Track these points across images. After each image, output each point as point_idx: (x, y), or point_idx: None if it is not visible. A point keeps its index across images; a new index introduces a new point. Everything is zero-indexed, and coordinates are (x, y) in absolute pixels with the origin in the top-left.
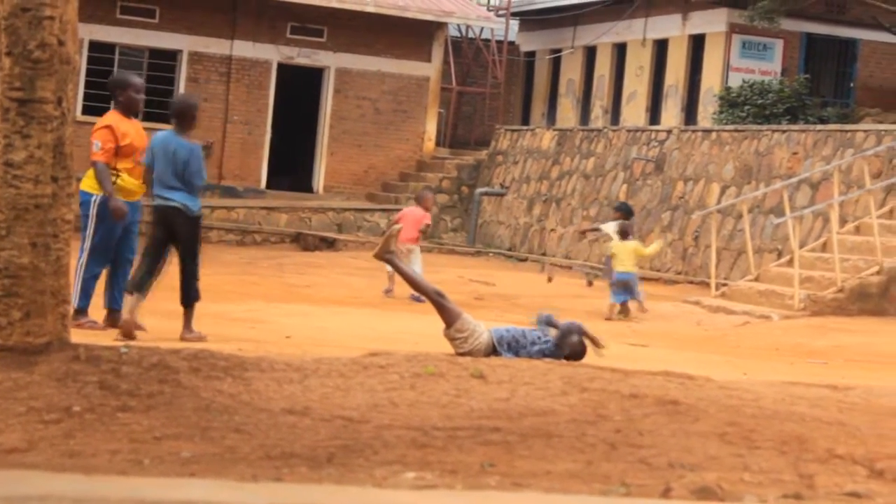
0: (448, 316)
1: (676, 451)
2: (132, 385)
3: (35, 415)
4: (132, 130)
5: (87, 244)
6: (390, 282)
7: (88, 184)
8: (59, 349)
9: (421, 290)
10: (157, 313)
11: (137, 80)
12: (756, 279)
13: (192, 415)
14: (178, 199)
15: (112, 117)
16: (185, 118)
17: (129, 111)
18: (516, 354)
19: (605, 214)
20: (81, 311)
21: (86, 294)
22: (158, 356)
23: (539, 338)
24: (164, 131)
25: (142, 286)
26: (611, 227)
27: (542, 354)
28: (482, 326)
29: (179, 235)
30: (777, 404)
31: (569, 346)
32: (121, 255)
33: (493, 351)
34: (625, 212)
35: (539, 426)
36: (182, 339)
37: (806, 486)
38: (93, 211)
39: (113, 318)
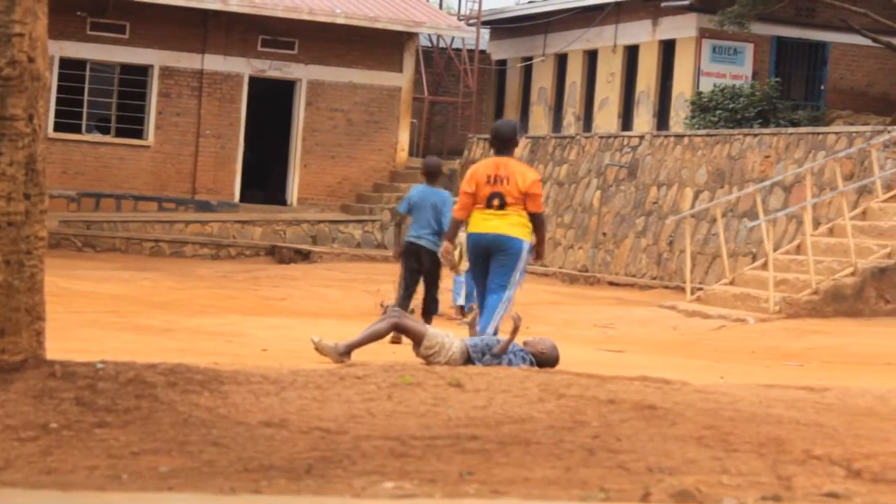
0: (414, 335)
1: (654, 456)
2: (109, 401)
3: (11, 432)
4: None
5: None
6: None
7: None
8: (35, 366)
9: (382, 336)
10: (139, 329)
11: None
12: (731, 283)
13: (170, 429)
14: (431, 238)
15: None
16: (435, 175)
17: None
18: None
19: (580, 221)
20: None
21: None
22: (135, 371)
23: (514, 345)
24: (421, 185)
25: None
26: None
27: (519, 360)
28: (451, 337)
29: (426, 266)
30: (754, 407)
31: (541, 353)
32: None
33: (468, 360)
34: None
35: (517, 433)
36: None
37: (784, 487)
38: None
39: None
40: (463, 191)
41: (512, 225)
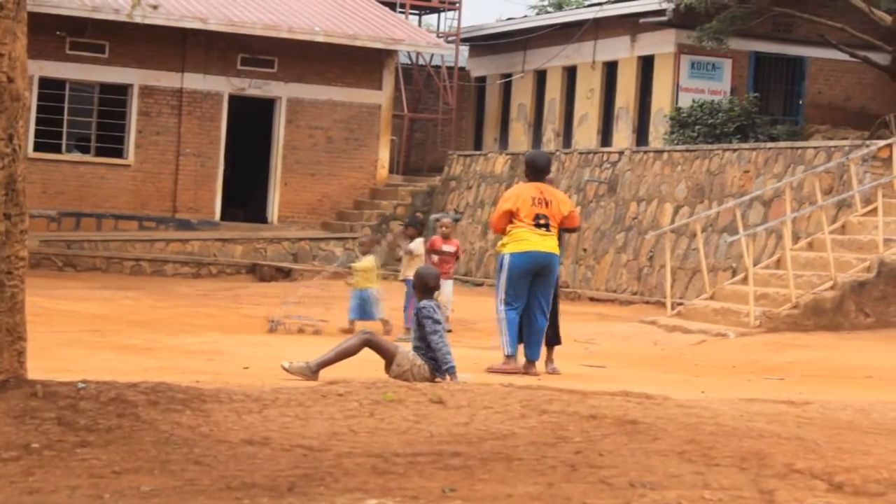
0: (385, 354)
1: (637, 471)
2: (90, 420)
3: None
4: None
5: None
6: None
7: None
8: (16, 386)
9: (352, 354)
10: (120, 348)
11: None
12: (711, 297)
13: (152, 448)
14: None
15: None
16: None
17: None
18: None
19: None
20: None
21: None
22: (116, 390)
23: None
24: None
25: None
26: (416, 245)
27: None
28: (413, 352)
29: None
30: (735, 421)
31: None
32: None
33: (436, 367)
34: (415, 226)
35: (499, 449)
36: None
37: (766, 501)
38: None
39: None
40: (505, 209)
41: (556, 247)
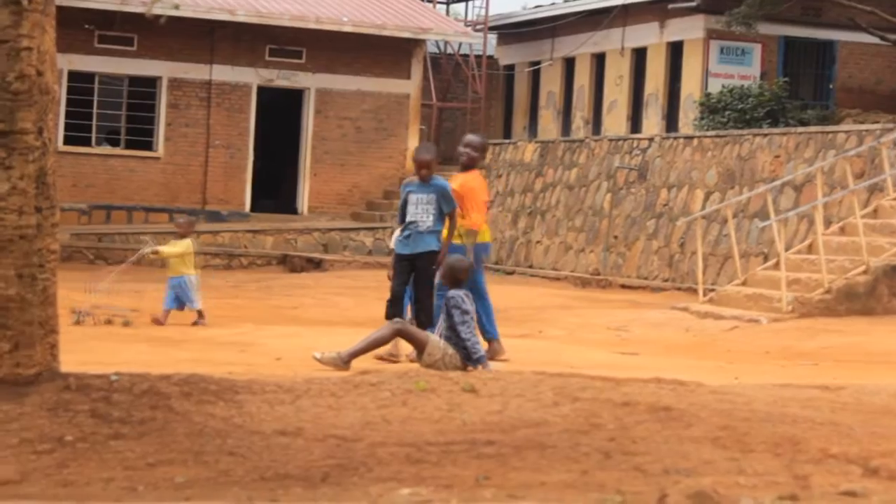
0: (417, 343)
1: (671, 457)
2: (124, 412)
3: (27, 446)
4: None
5: None
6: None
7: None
8: (50, 379)
9: (385, 343)
10: (151, 340)
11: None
12: (743, 283)
13: (185, 440)
14: None
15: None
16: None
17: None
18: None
19: (591, 224)
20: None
21: None
22: (149, 382)
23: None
24: None
25: None
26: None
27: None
28: (444, 341)
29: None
30: (769, 407)
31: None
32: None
33: (466, 357)
34: (186, 223)
35: (532, 437)
36: None
37: (801, 486)
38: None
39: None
40: (486, 201)
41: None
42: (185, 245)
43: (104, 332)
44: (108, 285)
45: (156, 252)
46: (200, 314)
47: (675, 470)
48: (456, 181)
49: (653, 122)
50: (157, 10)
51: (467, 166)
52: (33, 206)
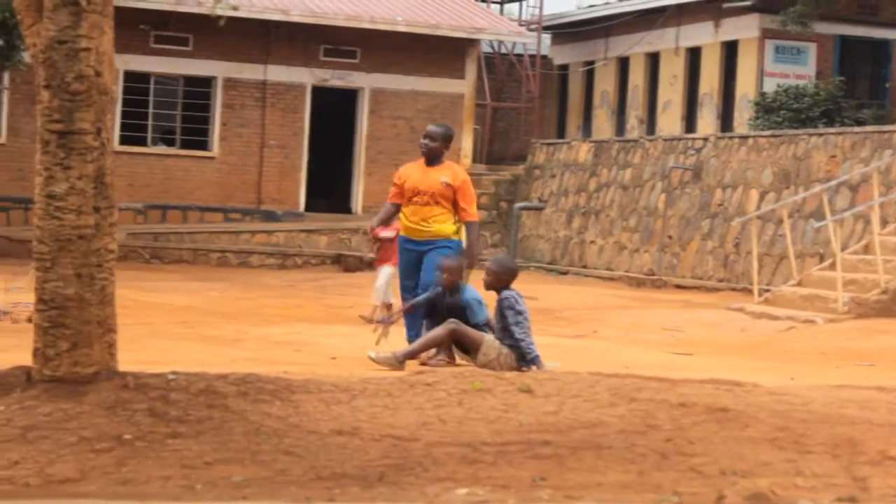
0: (472, 344)
1: (728, 459)
2: (181, 411)
3: (86, 444)
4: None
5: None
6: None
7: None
8: (108, 378)
9: (440, 343)
10: (207, 339)
11: (430, 127)
12: (799, 284)
13: (242, 439)
14: None
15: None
16: None
17: (426, 159)
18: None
19: (645, 224)
20: None
21: None
22: (206, 381)
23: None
24: None
25: None
26: None
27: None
28: (498, 341)
29: None
30: (826, 408)
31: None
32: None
33: (520, 356)
34: None
35: (588, 438)
36: None
37: (860, 488)
38: None
39: None
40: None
41: None
42: None
43: (160, 330)
44: (29, 283)
45: None
46: None
47: (731, 471)
48: (448, 173)
49: (707, 121)
50: (216, 11)
51: (428, 158)
52: (92, 205)
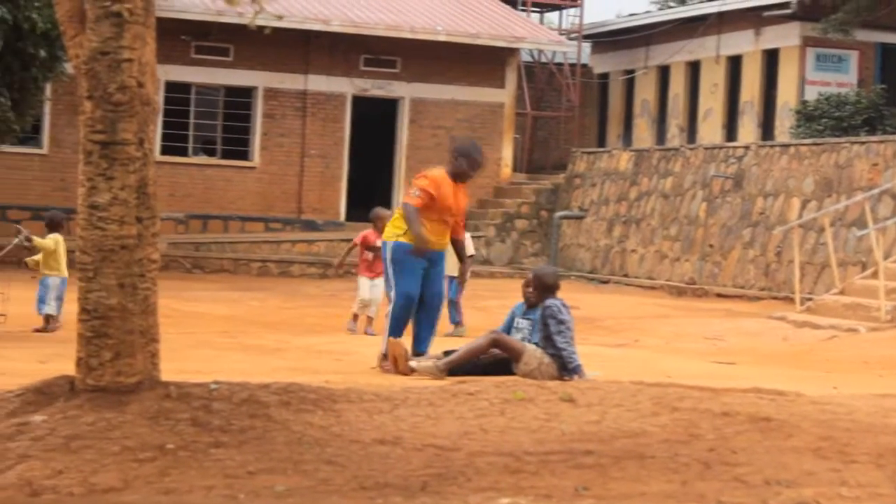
0: (513, 353)
1: (771, 468)
2: (224, 421)
3: (129, 454)
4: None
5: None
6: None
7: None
8: (150, 388)
9: (481, 352)
10: (249, 349)
11: (478, 157)
12: (841, 292)
13: (284, 448)
14: None
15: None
16: None
17: (457, 177)
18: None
19: (686, 233)
20: None
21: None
22: (248, 391)
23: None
24: None
25: None
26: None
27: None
28: (540, 350)
29: None
30: (871, 417)
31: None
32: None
33: (562, 366)
34: (52, 221)
35: (631, 447)
36: None
37: None
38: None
39: None
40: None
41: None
42: (50, 241)
43: (202, 340)
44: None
45: (30, 240)
46: (48, 320)
47: (775, 481)
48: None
49: (748, 130)
50: (257, 22)
51: (462, 178)
52: (134, 216)
